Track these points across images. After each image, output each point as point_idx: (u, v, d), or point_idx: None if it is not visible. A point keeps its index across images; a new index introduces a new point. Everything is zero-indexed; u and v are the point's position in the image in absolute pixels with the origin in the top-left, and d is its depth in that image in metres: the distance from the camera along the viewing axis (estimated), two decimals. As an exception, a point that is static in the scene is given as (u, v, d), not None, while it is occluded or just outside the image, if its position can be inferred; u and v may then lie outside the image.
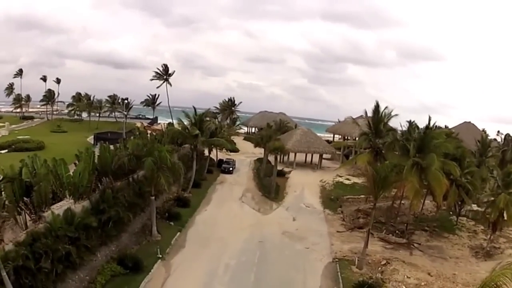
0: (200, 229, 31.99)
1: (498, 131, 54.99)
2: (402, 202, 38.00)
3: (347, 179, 53.92)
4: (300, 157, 63.09)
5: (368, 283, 23.53)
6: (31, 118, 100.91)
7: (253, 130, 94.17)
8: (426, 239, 34.11)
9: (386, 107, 37.48)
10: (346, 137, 71.20)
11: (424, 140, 33.75)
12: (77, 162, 27.55)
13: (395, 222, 36.36)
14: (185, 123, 40.90)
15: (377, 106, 37.73)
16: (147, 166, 25.97)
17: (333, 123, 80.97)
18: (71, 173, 25.61)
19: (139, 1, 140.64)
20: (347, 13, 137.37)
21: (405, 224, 35.13)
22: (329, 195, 46.10)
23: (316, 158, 64.41)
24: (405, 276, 26.00)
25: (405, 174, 31.00)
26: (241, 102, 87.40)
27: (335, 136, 77.90)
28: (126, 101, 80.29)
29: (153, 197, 28.15)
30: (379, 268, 27.39)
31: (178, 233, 30.48)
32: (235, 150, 69.84)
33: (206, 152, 52.32)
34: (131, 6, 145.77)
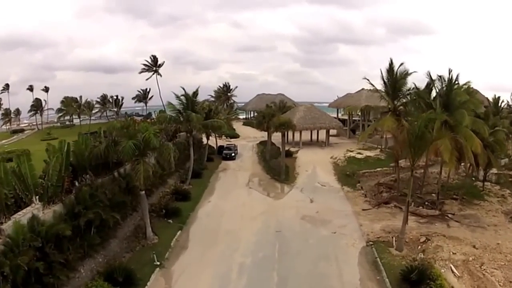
0: (205, 224, 26.65)
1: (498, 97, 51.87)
2: (422, 171, 34.51)
3: (359, 153, 49.24)
4: (305, 136, 57.94)
5: (418, 268, 18.42)
6: (22, 131, 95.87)
7: (252, 115, 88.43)
8: (458, 208, 29.97)
9: (402, 64, 31.85)
10: (350, 111, 65.67)
11: (449, 96, 29.07)
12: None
13: (421, 193, 32.32)
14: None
15: (390, 64, 32.20)
16: (126, 151, 20.37)
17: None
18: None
19: (122, 4, 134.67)
20: None
21: (436, 194, 30.83)
22: (344, 171, 41.22)
23: (322, 135, 59.68)
24: (451, 253, 21.84)
25: (436, 133, 26.09)
26: (236, 87, 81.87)
27: (339, 110, 72.36)
28: (116, 97, 74.32)
29: (143, 192, 22.79)
30: (419, 247, 23.00)
31: (179, 232, 25.13)
32: (235, 136, 64.60)
33: (205, 140, 47.11)
34: (114, 10, 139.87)
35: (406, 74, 31.88)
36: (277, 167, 40.57)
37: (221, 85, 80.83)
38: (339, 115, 71.95)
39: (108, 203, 20.83)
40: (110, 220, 20.64)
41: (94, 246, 19.96)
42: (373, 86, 32.82)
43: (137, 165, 20.60)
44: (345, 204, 31.38)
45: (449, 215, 28.04)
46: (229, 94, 78.65)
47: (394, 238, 23.49)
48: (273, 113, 44.30)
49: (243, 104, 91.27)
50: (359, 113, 66.78)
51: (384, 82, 32.46)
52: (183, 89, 34.39)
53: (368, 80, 33.00)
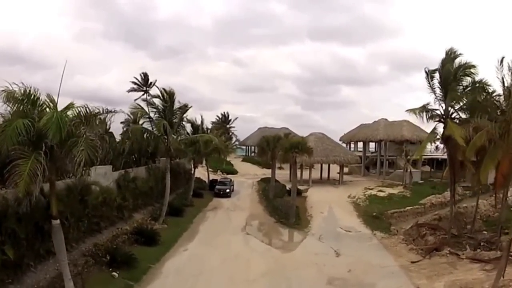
0: (169, 286, 16.28)
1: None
2: (465, 205, 29.75)
3: (380, 190, 40.83)
4: (314, 174, 48.85)
5: None
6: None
7: (252, 150, 78.71)
8: (518, 244, 21.23)
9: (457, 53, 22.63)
10: (365, 142, 57.02)
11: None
12: None
13: (471, 232, 24.74)
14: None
15: (449, 53, 22.83)
16: (7, 136, 10.47)
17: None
18: None
19: (121, 32, 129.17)
20: (335, 29, 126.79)
21: (498, 229, 22.32)
22: (368, 212, 32.00)
23: (333, 173, 51.80)
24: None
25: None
26: (236, 118, 72.51)
27: (351, 143, 63.67)
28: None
29: (57, 222, 13.03)
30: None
31: None
32: (233, 171, 55.20)
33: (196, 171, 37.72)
34: (114, 38, 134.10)
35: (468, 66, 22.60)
36: (284, 207, 31.11)
37: (219, 116, 71.16)
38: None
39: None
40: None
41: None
42: (430, 83, 23.31)
43: (22, 164, 10.54)
44: (385, 255, 21.59)
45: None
46: (228, 126, 68.73)
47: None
48: (279, 137, 35.23)
49: (243, 148, 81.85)
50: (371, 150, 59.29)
51: (440, 78, 23.12)
52: (158, 88, 25.52)
53: (428, 73, 23.41)
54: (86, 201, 18.50)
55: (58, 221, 13.07)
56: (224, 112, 70.62)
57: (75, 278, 14.59)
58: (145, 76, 65.12)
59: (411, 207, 33.33)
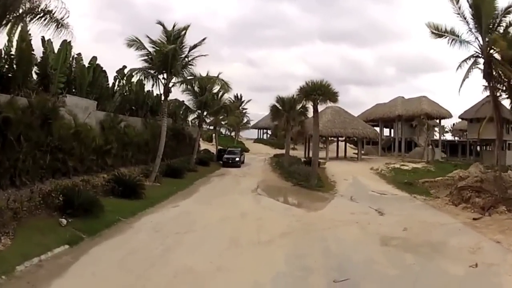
0: (135, 247, 9.58)
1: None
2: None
3: (403, 165, 34.11)
4: (330, 154, 42.56)
5: None
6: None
7: (264, 132, 72.34)
8: None
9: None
10: (381, 124, 50.41)
11: None
12: None
13: None
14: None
15: None
16: None
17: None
18: None
19: (138, 32, 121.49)
20: (345, 31, 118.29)
21: None
22: (398, 180, 25.76)
23: (349, 153, 46.11)
24: None
25: None
26: (250, 100, 66.15)
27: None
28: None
29: None
30: None
31: (61, 248, 8.77)
32: (244, 150, 49.20)
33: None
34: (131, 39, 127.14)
35: None
36: (302, 171, 25.12)
37: (232, 98, 64.48)
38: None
39: None
40: None
41: None
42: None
43: None
44: (438, 214, 15.48)
45: None
46: (240, 108, 62.03)
47: None
48: (295, 99, 29.13)
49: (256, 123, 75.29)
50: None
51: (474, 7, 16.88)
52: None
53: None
54: (50, 126, 12.73)
55: None
56: (237, 94, 63.78)
57: (7, 217, 8.95)
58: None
59: (441, 178, 27.28)
